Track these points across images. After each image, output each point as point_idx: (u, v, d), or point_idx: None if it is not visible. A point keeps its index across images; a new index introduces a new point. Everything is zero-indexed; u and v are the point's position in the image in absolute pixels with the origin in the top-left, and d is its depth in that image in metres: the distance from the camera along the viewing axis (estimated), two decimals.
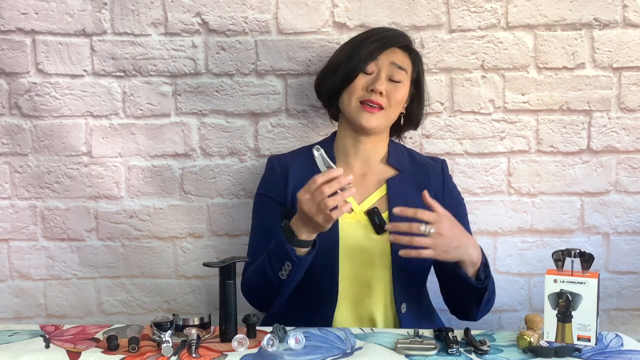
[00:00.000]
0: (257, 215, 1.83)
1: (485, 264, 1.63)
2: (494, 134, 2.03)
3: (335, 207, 1.47)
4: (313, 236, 1.56)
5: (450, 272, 1.63)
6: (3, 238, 2.07)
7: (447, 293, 1.77)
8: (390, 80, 1.73)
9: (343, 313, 1.69)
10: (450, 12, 1.98)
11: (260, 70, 2.01)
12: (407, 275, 1.71)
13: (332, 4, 1.99)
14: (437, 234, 1.52)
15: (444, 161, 1.88)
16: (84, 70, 2.01)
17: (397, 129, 1.88)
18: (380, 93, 1.71)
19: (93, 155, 2.04)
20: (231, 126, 2.04)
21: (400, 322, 1.69)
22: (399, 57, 1.76)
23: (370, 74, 1.73)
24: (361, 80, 1.73)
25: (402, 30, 1.87)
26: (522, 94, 2.01)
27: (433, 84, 2.01)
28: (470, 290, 1.63)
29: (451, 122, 2.03)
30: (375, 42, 1.74)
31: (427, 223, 1.51)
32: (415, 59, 1.81)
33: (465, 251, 1.57)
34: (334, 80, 1.77)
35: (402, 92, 1.75)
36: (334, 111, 1.85)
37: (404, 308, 1.69)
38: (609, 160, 2.03)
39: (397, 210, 1.54)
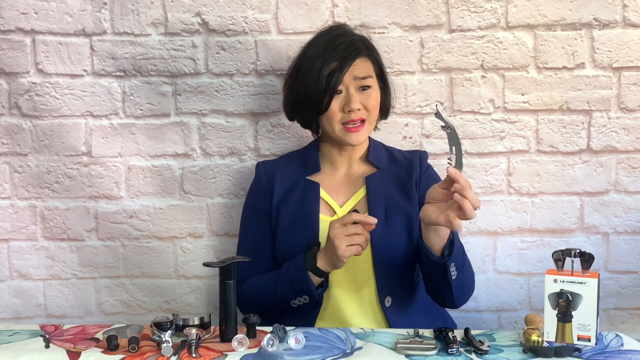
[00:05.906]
0: (244, 223, 1.87)
1: (452, 241, 1.57)
2: (494, 133, 2.03)
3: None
4: (329, 269, 1.63)
5: (423, 256, 1.60)
6: (3, 238, 2.07)
7: (427, 285, 1.74)
8: (361, 88, 1.72)
9: (326, 313, 1.72)
10: (450, 12, 1.98)
11: (260, 70, 2.01)
12: (390, 268, 1.71)
13: (332, 4, 1.99)
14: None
15: (423, 152, 1.86)
16: (84, 70, 2.01)
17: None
18: (358, 109, 1.71)
19: (93, 155, 2.04)
20: (231, 126, 2.04)
21: (386, 316, 1.70)
22: (359, 67, 1.72)
23: (340, 92, 1.71)
24: (335, 105, 1.71)
25: (352, 35, 1.76)
26: (522, 94, 2.01)
27: (433, 84, 2.01)
28: (436, 268, 1.59)
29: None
30: (334, 62, 1.69)
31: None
32: (373, 55, 1.77)
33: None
34: (307, 110, 1.76)
35: (375, 95, 1.74)
36: (315, 128, 1.84)
37: (388, 302, 1.70)
38: (609, 160, 2.03)
39: (451, 171, 1.45)
